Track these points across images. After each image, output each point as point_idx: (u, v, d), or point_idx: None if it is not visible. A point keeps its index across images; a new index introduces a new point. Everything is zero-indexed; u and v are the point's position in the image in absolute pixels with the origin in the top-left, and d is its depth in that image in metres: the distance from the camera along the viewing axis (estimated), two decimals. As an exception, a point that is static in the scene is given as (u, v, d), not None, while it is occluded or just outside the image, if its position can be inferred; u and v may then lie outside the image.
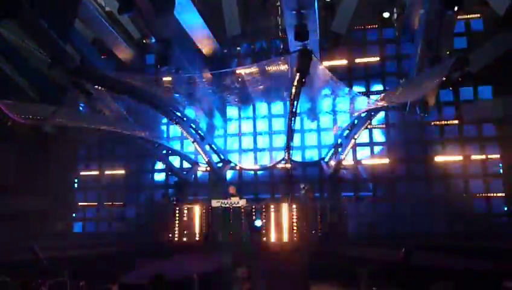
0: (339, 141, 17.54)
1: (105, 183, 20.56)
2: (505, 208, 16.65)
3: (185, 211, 15.05)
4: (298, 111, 14.64)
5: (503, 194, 16.67)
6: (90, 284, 8.44)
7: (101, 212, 20.43)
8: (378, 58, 18.65)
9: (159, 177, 20.60)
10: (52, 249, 12.37)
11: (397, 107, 16.74)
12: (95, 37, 18.64)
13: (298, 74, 11.88)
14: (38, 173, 19.03)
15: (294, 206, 14.19)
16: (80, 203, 20.82)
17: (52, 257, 10.94)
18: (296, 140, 18.40)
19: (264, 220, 14.14)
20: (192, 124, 17.60)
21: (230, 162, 18.64)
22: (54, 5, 12.74)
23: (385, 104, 15.21)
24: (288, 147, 15.59)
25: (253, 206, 14.61)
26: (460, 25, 17.39)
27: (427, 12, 13.95)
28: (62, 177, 20.44)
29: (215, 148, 18.50)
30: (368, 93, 18.11)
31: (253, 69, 14.36)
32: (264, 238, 14.04)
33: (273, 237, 14.04)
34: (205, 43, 17.32)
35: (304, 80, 12.00)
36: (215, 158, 18.39)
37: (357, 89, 18.22)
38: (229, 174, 19.53)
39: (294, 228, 13.96)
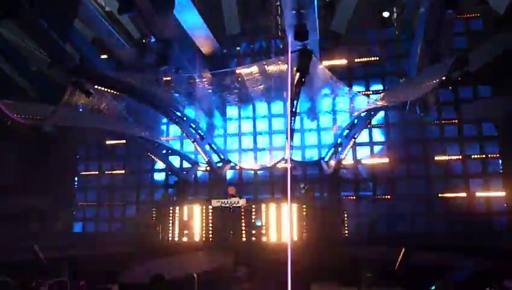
0: (339, 140, 17.53)
1: (105, 183, 20.56)
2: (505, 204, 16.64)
3: (185, 211, 15.07)
4: (298, 111, 14.64)
5: (503, 193, 16.68)
6: (90, 284, 8.44)
7: (101, 212, 20.42)
8: (377, 58, 18.65)
9: (159, 177, 20.63)
10: (52, 249, 12.37)
11: (397, 107, 16.74)
12: (94, 37, 18.63)
13: (298, 74, 11.88)
14: (38, 173, 19.02)
15: (304, 206, 14.23)
16: (80, 203, 20.84)
17: (52, 257, 10.94)
18: (296, 140, 18.41)
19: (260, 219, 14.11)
20: (192, 124, 17.59)
21: (230, 161, 18.63)
22: (54, 5, 12.73)
23: (385, 104, 15.21)
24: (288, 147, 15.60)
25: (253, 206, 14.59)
26: (460, 25, 17.41)
27: (427, 12, 13.95)
28: (62, 177, 20.43)
29: (215, 148, 18.49)
30: (367, 93, 18.12)
31: (253, 69, 14.37)
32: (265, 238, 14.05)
33: (273, 237, 14.07)
34: (205, 42, 17.32)
35: (303, 79, 12.00)
36: (215, 158, 18.38)
37: (356, 88, 18.22)
38: (229, 174, 19.55)
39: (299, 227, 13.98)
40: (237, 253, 12.13)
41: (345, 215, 15.99)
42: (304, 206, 14.36)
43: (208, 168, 18.50)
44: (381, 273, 9.57)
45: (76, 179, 21.19)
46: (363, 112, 16.22)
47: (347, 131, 17.11)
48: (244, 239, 14.21)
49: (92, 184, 20.83)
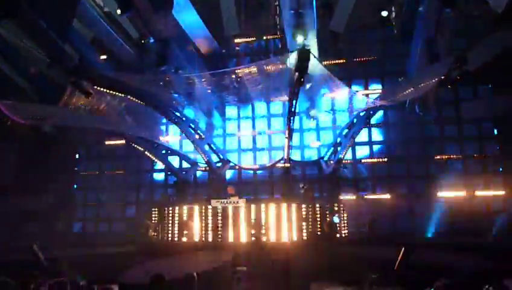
0: (338, 140, 17.54)
1: (105, 183, 20.55)
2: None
3: (185, 211, 15.09)
4: (297, 110, 14.65)
5: (503, 193, 16.71)
6: (90, 284, 8.44)
7: (101, 212, 20.43)
8: (376, 57, 18.64)
9: (159, 177, 20.64)
10: (52, 249, 12.37)
11: (396, 106, 16.75)
12: (93, 37, 18.61)
13: (297, 74, 11.88)
14: (38, 173, 19.02)
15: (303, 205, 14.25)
16: (79, 203, 20.84)
17: (52, 257, 10.94)
18: (296, 139, 18.41)
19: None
20: (191, 124, 17.58)
21: (229, 161, 18.63)
22: (53, 5, 12.74)
23: (384, 103, 15.21)
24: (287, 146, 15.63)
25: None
26: (459, 24, 17.41)
27: (426, 11, 13.96)
28: (62, 177, 20.44)
29: (214, 148, 18.49)
30: (366, 93, 18.13)
31: (252, 69, 14.36)
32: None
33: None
34: (204, 42, 17.33)
35: (302, 79, 12.00)
36: (214, 158, 18.38)
37: (355, 88, 18.22)
38: (228, 174, 19.55)
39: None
40: (237, 253, 12.11)
41: (345, 215, 15.99)
42: (304, 206, 14.37)
43: (207, 168, 18.50)
44: (381, 273, 9.57)
45: (76, 179, 21.19)
46: (362, 111, 16.24)
47: (346, 130, 17.13)
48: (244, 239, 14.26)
49: (92, 184, 20.82)
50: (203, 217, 14.84)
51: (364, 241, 14.96)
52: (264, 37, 19.37)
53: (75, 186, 21.20)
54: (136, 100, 15.37)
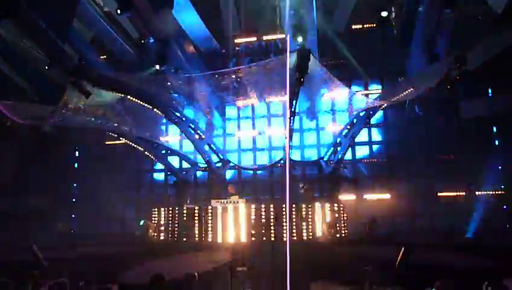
0: (338, 140, 17.53)
1: (105, 183, 20.51)
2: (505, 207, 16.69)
3: (185, 211, 15.08)
4: (297, 110, 14.65)
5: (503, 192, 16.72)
6: (90, 284, 8.43)
7: (100, 212, 20.41)
8: (376, 57, 18.62)
9: (159, 177, 20.63)
10: (52, 249, 12.37)
11: (396, 106, 16.74)
12: (93, 37, 18.62)
13: (297, 74, 11.87)
14: (38, 173, 19.03)
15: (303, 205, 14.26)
16: (79, 203, 20.82)
17: (52, 257, 10.93)
18: (296, 139, 18.41)
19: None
20: (191, 124, 17.57)
21: (229, 161, 18.62)
22: (53, 5, 12.74)
23: (384, 103, 15.21)
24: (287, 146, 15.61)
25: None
26: (459, 24, 17.40)
27: (426, 11, 13.96)
28: (62, 177, 20.44)
29: (214, 148, 18.48)
30: (366, 92, 18.13)
31: (252, 69, 14.35)
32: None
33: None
34: (204, 42, 17.33)
35: (302, 79, 11.99)
36: (214, 158, 18.37)
37: (355, 88, 18.21)
38: (228, 174, 19.55)
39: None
40: (237, 253, 12.10)
41: (345, 215, 15.98)
42: (304, 205, 14.37)
43: (207, 168, 18.50)
44: (382, 272, 9.57)
45: (76, 179, 21.18)
46: (362, 111, 16.24)
47: (346, 130, 17.13)
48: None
49: (92, 184, 20.79)
50: (203, 217, 14.82)
51: (364, 241, 14.96)
52: (264, 37, 19.35)
53: (75, 186, 21.18)
54: (136, 100, 15.37)
